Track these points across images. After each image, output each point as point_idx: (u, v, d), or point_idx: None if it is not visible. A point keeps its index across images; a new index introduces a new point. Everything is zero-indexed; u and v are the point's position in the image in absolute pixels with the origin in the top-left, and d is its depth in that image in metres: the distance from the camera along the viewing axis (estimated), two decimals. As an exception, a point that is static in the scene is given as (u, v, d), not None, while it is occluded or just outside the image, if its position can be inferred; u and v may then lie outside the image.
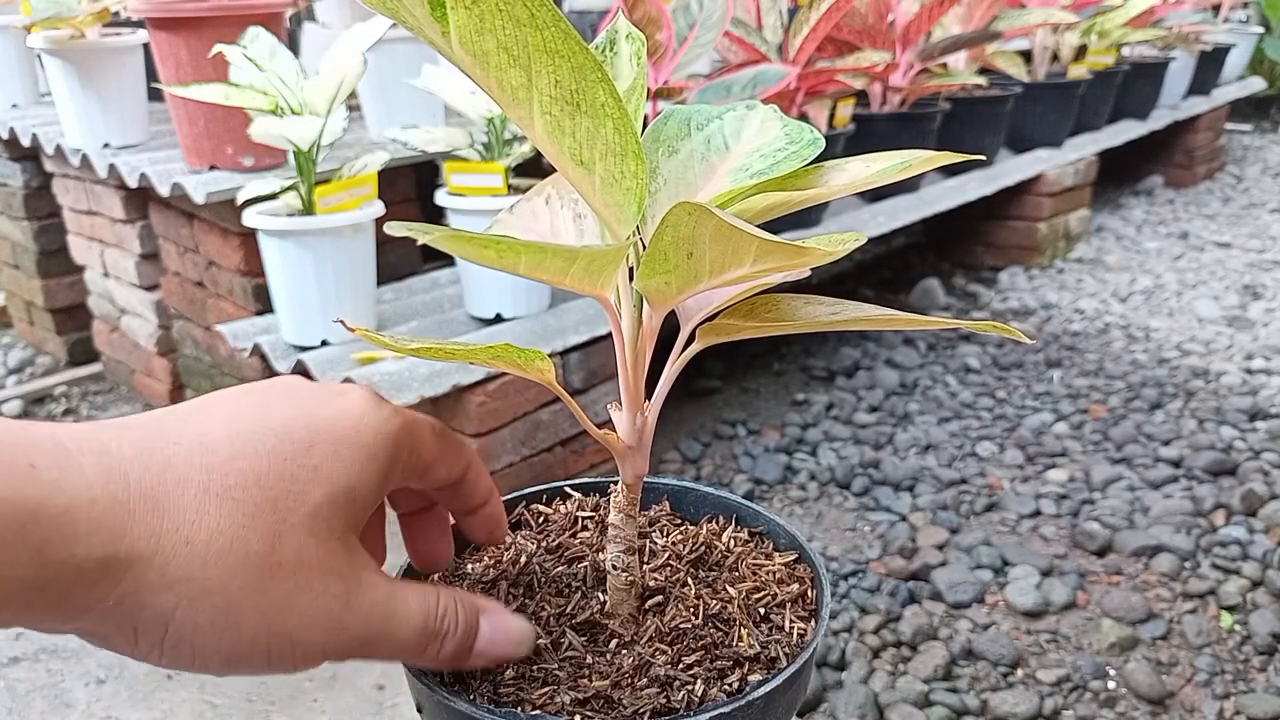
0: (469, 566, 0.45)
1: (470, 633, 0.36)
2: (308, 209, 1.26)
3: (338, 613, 0.32)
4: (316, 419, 0.33)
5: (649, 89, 1.50)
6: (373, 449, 0.33)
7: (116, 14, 1.55)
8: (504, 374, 1.27)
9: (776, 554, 0.46)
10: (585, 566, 0.44)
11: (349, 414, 0.33)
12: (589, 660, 0.39)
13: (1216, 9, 3.51)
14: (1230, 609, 1.21)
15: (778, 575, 0.44)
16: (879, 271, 2.58)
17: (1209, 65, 3.28)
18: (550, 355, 1.23)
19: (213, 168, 1.47)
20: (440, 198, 1.37)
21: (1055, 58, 2.59)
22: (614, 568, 0.41)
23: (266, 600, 0.30)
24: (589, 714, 0.36)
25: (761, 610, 0.42)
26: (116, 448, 0.29)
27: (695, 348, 0.39)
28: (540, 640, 0.40)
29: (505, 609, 0.38)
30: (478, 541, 0.43)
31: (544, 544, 0.46)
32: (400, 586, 0.34)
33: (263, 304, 1.47)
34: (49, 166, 1.86)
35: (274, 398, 0.33)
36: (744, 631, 0.40)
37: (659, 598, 0.42)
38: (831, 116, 1.84)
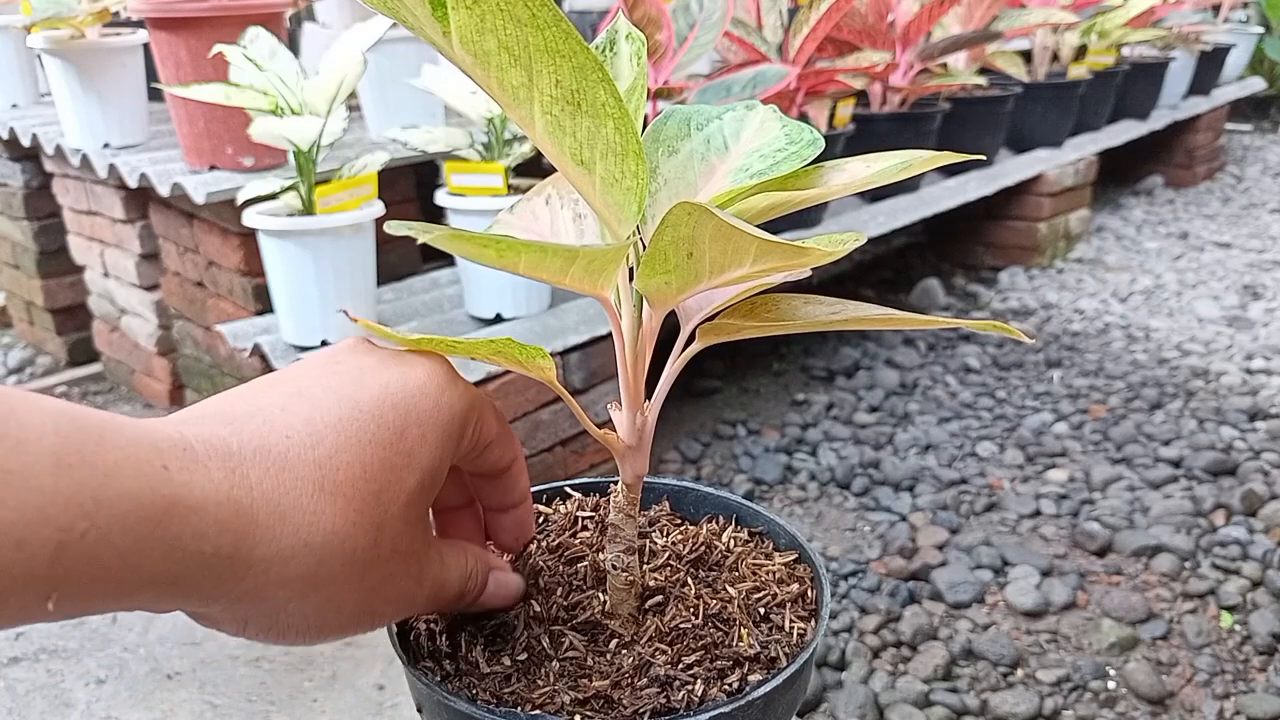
0: None
1: (483, 588, 0.40)
2: (308, 209, 1.26)
3: (411, 590, 0.36)
4: (400, 397, 0.34)
5: (649, 89, 1.50)
6: (450, 428, 0.35)
7: (116, 14, 1.55)
8: (505, 373, 1.27)
9: (776, 554, 0.46)
10: (585, 566, 0.44)
11: (427, 391, 0.35)
12: (589, 660, 0.39)
13: (1216, 9, 3.50)
14: (1230, 609, 1.21)
15: (778, 575, 0.44)
16: (879, 271, 2.58)
17: (1209, 65, 3.28)
18: (550, 355, 1.23)
19: (213, 168, 1.47)
20: (440, 198, 1.37)
21: (1055, 58, 2.58)
22: (614, 568, 0.41)
23: (365, 586, 0.34)
24: (589, 714, 0.36)
25: (761, 610, 0.42)
26: (237, 447, 0.31)
27: (695, 347, 0.39)
28: (540, 637, 0.40)
29: (507, 566, 0.42)
30: (502, 546, 0.44)
31: (544, 544, 0.46)
32: (446, 552, 0.38)
33: (263, 304, 1.47)
34: (49, 166, 1.86)
35: (356, 372, 0.35)
36: (744, 631, 0.40)
37: (659, 598, 0.42)
38: (831, 116, 1.84)
